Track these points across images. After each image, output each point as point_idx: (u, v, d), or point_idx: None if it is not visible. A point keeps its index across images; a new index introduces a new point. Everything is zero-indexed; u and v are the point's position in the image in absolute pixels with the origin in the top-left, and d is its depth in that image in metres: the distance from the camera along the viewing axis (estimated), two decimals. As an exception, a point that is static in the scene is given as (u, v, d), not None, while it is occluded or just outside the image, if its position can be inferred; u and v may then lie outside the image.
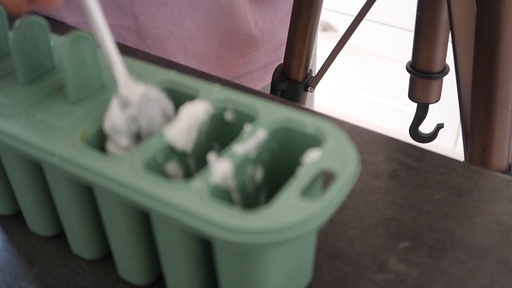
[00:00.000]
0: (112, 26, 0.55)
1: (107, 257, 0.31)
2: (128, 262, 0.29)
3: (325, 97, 1.72)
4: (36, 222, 0.32)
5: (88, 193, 0.28)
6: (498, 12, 0.43)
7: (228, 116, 0.29)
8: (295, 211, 0.23)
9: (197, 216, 0.23)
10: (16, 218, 0.34)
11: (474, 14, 0.45)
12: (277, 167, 0.28)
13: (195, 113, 0.28)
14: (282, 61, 0.66)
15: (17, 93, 0.31)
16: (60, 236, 0.33)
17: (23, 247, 0.32)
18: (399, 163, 0.37)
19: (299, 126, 0.27)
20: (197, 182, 0.24)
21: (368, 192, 0.35)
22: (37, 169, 0.30)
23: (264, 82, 0.66)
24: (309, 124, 0.27)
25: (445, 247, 0.32)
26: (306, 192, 0.25)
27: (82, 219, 0.29)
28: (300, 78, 0.63)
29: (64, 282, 0.30)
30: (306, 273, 0.29)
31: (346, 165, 0.25)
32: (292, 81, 0.63)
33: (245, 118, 0.28)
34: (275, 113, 0.28)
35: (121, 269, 0.30)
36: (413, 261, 0.31)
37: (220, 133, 0.29)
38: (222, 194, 0.26)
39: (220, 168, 0.25)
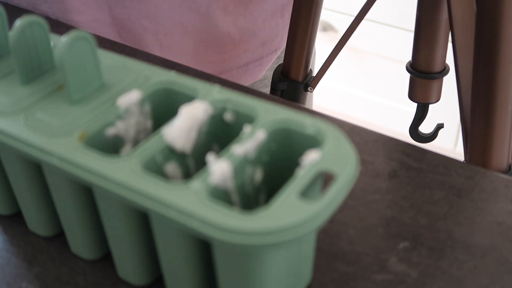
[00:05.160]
0: (87, 23, 0.55)
1: (107, 257, 0.31)
2: (127, 263, 0.29)
3: (325, 97, 1.72)
4: (36, 222, 0.32)
5: (87, 194, 0.28)
6: (498, 12, 0.43)
7: (228, 116, 0.29)
8: (294, 212, 0.23)
9: (196, 217, 0.23)
10: (16, 218, 0.34)
11: (474, 14, 0.45)
12: (277, 168, 0.28)
13: (194, 113, 0.28)
14: (263, 60, 0.66)
15: (16, 92, 0.31)
16: (60, 236, 0.33)
17: (23, 247, 0.32)
18: (399, 163, 0.37)
19: (299, 127, 0.27)
20: (196, 183, 0.24)
21: (368, 192, 0.35)
22: (36, 169, 0.30)
23: (245, 81, 0.66)
24: (308, 125, 0.27)
25: (445, 247, 0.32)
26: (305, 193, 0.25)
27: (82, 219, 0.29)
28: (300, 78, 0.63)
29: (64, 282, 0.30)
30: (306, 274, 0.29)
31: (346, 166, 0.25)
32: (292, 81, 0.63)
33: (245, 118, 0.28)
34: (274, 114, 0.28)
35: (120, 269, 0.30)
36: (413, 261, 0.31)
37: (219, 134, 0.29)
38: (221, 195, 0.26)
39: (219, 169, 0.25)
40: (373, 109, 1.64)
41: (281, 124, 0.28)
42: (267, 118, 0.28)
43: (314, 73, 0.65)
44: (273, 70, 0.66)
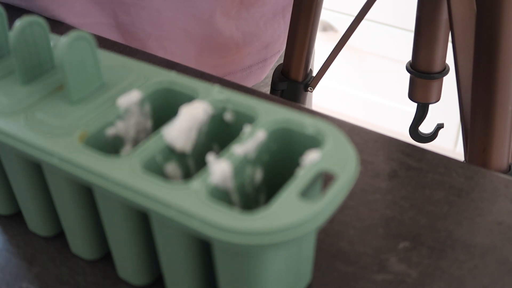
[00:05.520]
0: (92, 25, 0.55)
1: (107, 257, 0.31)
2: (127, 263, 0.29)
3: (325, 97, 1.72)
4: (36, 222, 0.32)
5: (87, 194, 0.28)
6: (498, 12, 0.43)
7: (228, 116, 0.29)
8: (293, 212, 0.23)
9: (196, 217, 0.23)
10: (16, 218, 0.34)
11: (474, 14, 0.45)
12: (277, 168, 0.28)
13: (194, 113, 0.28)
14: (267, 62, 0.66)
15: (16, 92, 0.30)
16: (60, 236, 0.33)
17: (23, 247, 0.32)
18: (399, 163, 0.37)
19: (299, 127, 0.27)
20: (196, 183, 0.24)
21: (368, 192, 0.35)
22: (36, 169, 0.30)
23: (248, 83, 0.66)
24: (308, 125, 0.27)
25: (445, 247, 0.32)
26: (305, 193, 0.25)
27: (82, 219, 0.29)
28: (300, 78, 0.63)
29: (64, 282, 0.30)
30: (306, 274, 0.29)
31: (346, 166, 0.25)
32: (292, 81, 0.63)
33: (245, 118, 0.28)
34: (274, 114, 0.28)
35: (120, 269, 0.30)
36: (413, 261, 0.31)
37: (219, 134, 0.29)
38: (221, 195, 0.26)
39: (219, 169, 0.25)
40: (373, 109, 1.64)
41: (281, 124, 0.28)
42: (267, 118, 0.28)
43: (314, 73, 0.65)
44: (274, 70, 0.66)
